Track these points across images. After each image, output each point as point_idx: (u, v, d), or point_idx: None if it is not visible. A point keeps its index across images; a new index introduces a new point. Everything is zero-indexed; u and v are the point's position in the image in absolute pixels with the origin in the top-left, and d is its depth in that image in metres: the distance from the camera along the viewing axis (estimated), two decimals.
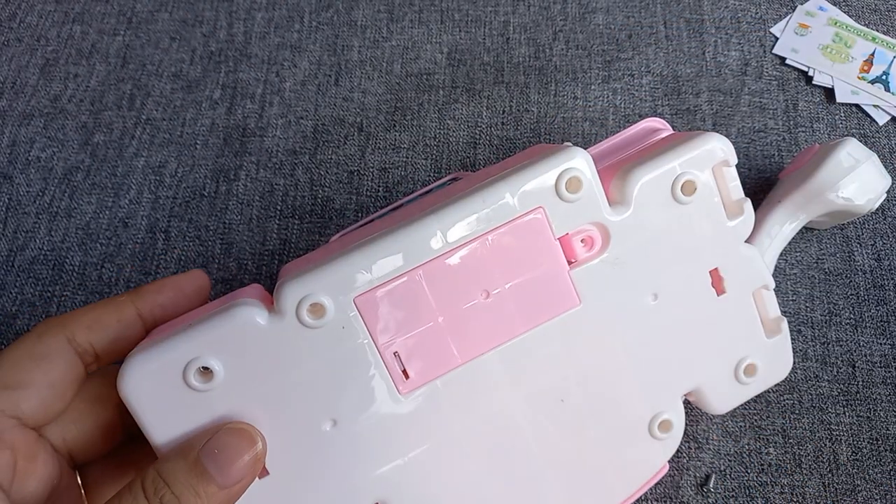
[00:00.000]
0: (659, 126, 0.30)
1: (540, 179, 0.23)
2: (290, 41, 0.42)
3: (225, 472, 0.20)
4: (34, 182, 0.38)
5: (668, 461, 0.27)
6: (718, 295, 0.26)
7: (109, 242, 0.37)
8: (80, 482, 0.24)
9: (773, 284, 0.27)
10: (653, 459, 0.27)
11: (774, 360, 0.28)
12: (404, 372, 0.23)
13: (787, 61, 0.40)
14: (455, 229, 0.23)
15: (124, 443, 0.25)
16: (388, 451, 0.24)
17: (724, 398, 0.27)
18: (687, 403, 0.29)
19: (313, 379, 0.23)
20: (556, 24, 0.42)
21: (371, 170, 0.38)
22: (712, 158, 0.25)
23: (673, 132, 0.30)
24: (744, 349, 0.27)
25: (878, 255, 0.35)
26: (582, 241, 0.24)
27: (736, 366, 0.27)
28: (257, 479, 0.23)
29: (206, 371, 0.21)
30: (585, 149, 0.24)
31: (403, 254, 0.22)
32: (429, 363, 0.23)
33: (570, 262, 0.24)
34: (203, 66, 0.42)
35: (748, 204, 0.26)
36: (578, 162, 0.23)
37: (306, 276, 0.22)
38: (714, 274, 0.26)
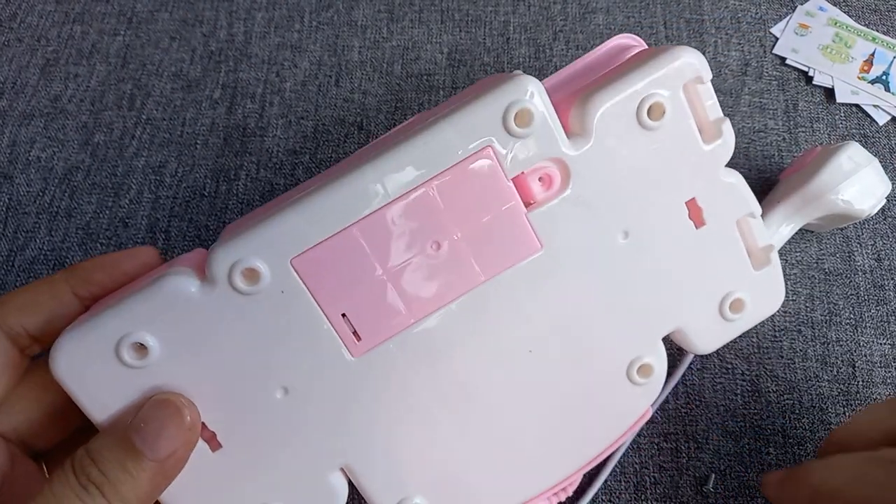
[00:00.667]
0: (632, 42, 0.27)
1: (484, 115, 0.21)
2: (290, 41, 0.42)
3: (153, 446, 0.20)
4: (34, 182, 0.38)
5: (669, 460, 0.27)
6: (697, 227, 0.24)
7: (110, 242, 0.37)
8: (44, 469, 0.24)
9: (759, 211, 0.25)
10: (633, 406, 0.25)
11: (763, 292, 0.26)
12: (355, 333, 0.22)
13: (787, 61, 0.40)
14: (396, 178, 0.21)
15: (90, 427, 0.25)
16: (348, 415, 0.23)
17: (709, 337, 0.26)
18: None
19: (256, 347, 0.21)
20: (557, 25, 0.42)
21: None
22: (682, 76, 0.22)
23: (644, 48, 0.27)
24: (729, 283, 0.25)
25: (878, 256, 0.35)
26: (539, 179, 0.22)
27: (721, 302, 0.25)
28: (211, 452, 0.22)
29: (140, 347, 0.20)
30: (543, 80, 0.22)
31: (341, 208, 0.21)
32: (380, 323, 0.22)
33: (527, 205, 0.22)
34: (203, 66, 0.42)
35: (727, 124, 0.23)
36: (527, 91, 0.21)
37: (236, 239, 0.21)
38: (691, 205, 0.24)
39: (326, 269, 0.21)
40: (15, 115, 0.40)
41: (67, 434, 0.24)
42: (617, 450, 0.29)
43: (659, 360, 0.25)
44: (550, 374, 0.24)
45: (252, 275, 0.21)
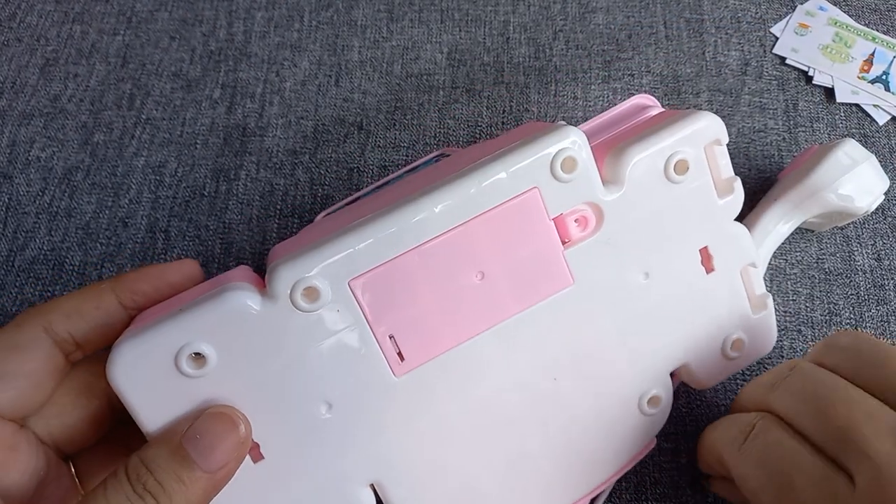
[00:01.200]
0: (648, 103, 0.30)
1: (535, 159, 0.23)
2: (290, 41, 0.42)
3: (207, 458, 0.20)
4: (34, 182, 0.38)
5: (669, 460, 0.27)
6: (707, 273, 0.26)
7: (109, 242, 0.37)
8: (73, 471, 0.24)
9: (759, 262, 0.27)
10: (642, 434, 0.27)
11: (760, 334, 0.28)
12: (399, 354, 0.23)
13: (787, 61, 0.40)
14: (449, 210, 0.22)
15: (117, 427, 0.24)
16: (383, 433, 0.24)
17: (711, 373, 0.28)
18: (686, 386, 0.29)
19: (308, 363, 0.22)
20: (556, 24, 0.42)
21: (371, 168, 0.38)
22: (704, 137, 0.25)
23: (663, 109, 0.30)
24: (731, 325, 0.27)
25: (878, 255, 0.35)
26: (576, 220, 0.24)
27: (723, 341, 0.27)
28: (252, 463, 0.22)
29: (198, 357, 0.21)
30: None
31: (398, 236, 0.22)
32: (423, 345, 0.23)
33: (563, 242, 0.24)
34: (203, 66, 0.42)
35: (738, 182, 0.26)
36: (574, 142, 0.23)
37: (300, 258, 0.21)
38: (703, 252, 0.26)
39: (380, 292, 0.22)
40: (14, 114, 0.40)
41: (100, 437, 0.24)
42: None
43: (666, 392, 0.27)
44: (571, 402, 0.26)
45: (312, 293, 0.22)
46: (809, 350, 0.28)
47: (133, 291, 0.23)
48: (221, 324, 0.21)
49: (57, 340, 0.22)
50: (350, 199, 0.34)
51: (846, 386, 0.23)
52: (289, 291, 0.21)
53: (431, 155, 0.36)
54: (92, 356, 0.24)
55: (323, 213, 0.33)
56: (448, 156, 0.32)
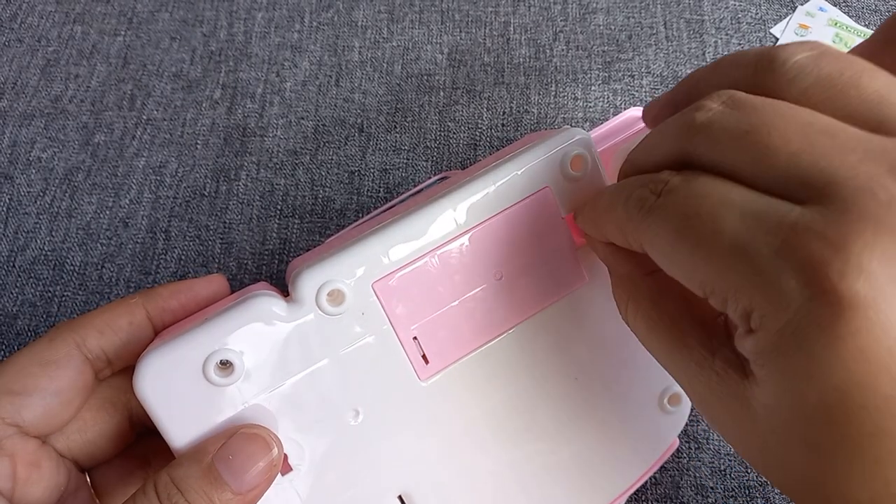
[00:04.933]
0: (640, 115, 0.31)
1: (546, 159, 0.23)
2: (290, 41, 0.42)
3: (239, 479, 0.20)
4: (35, 182, 0.39)
5: (669, 460, 0.27)
6: None
7: (110, 242, 0.37)
8: (89, 483, 0.24)
9: None
10: (665, 434, 0.27)
11: None
12: (424, 357, 0.23)
13: None
14: (467, 211, 0.23)
15: (134, 440, 0.24)
16: (410, 440, 0.23)
17: None
18: None
19: (335, 368, 0.22)
20: (557, 25, 0.42)
21: (372, 171, 0.38)
22: None
23: None
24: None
25: None
26: None
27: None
28: (280, 476, 0.22)
29: (225, 365, 0.21)
30: None
31: (419, 237, 0.22)
32: (447, 347, 0.23)
33: (576, 241, 0.24)
34: (203, 66, 0.42)
35: None
36: (581, 141, 0.24)
37: (324, 263, 0.22)
38: None
39: (402, 294, 0.22)
40: (15, 115, 0.40)
41: (118, 453, 0.24)
42: None
43: None
44: (593, 400, 0.25)
45: (337, 296, 0.22)
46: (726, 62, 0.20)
47: (163, 306, 0.23)
48: (248, 330, 0.21)
49: (89, 357, 0.22)
50: (359, 221, 0.34)
51: (812, 114, 0.17)
52: (314, 295, 0.21)
53: (434, 178, 0.36)
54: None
55: (334, 237, 0.33)
56: (449, 178, 0.32)
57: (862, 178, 0.15)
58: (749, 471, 0.31)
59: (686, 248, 0.17)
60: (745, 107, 0.17)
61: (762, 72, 0.18)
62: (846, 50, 0.25)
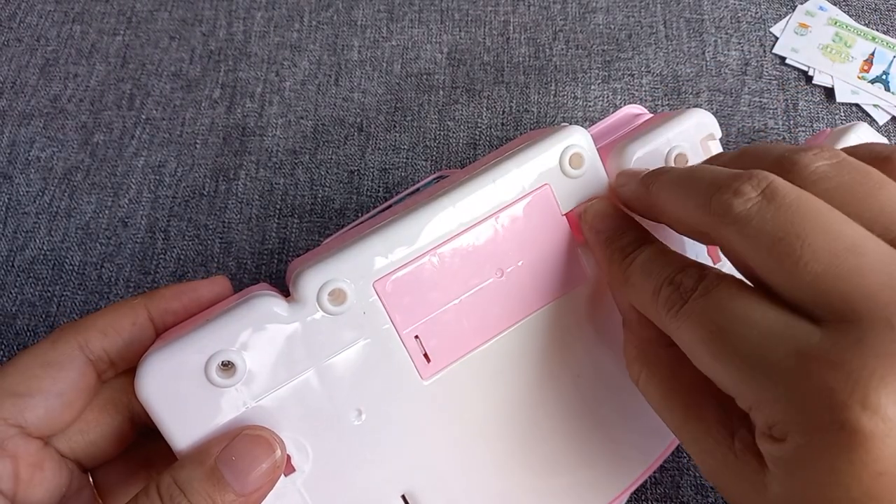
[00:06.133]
0: (638, 112, 0.31)
1: (544, 156, 0.23)
2: (289, 40, 0.42)
3: (242, 481, 0.20)
4: (34, 182, 0.38)
5: (669, 460, 0.27)
6: (714, 264, 0.26)
7: (109, 242, 0.37)
8: (91, 482, 0.24)
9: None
10: (665, 432, 0.26)
11: None
12: (425, 356, 0.23)
13: (787, 61, 0.40)
14: (467, 209, 0.23)
15: (136, 440, 0.24)
16: (412, 439, 0.23)
17: None
18: None
19: (337, 367, 0.22)
20: (556, 24, 0.42)
21: (371, 170, 0.38)
22: (699, 132, 0.25)
23: (659, 113, 0.30)
24: None
25: None
26: None
27: None
28: (283, 476, 0.22)
29: (227, 366, 0.21)
30: None
31: (419, 236, 0.22)
32: (449, 345, 0.23)
33: (577, 239, 0.24)
34: (203, 66, 0.42)
35: None
36: (579, 138, 0.24)
37: (325, 262, 0.22)
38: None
39: (403, 292, 0.22)
40: (14, 114, 0.40)
41: (119, 453, 0.24)
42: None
43: None
44: (595, 397, 0.25)
45: (339, 295, 0.22)
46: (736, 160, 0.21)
47: (165, 308, 0.23)
48: (250, 331, 0.21)
49: (92, 359, 0.22)
50: (356, 222, 0.34)
51: (843, 223, 0.17)
52: (315, 295, 0.21)
53: (430, 177, 0.36)
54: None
55: (332, 237, 0.33)
56: (447, 177, 0.32)
57: (881, 307, 0.15)
58: None
59: (711, 357, 0.18)
60: (781, 203, 0.17)
61: (785, 173, 0.19)
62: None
